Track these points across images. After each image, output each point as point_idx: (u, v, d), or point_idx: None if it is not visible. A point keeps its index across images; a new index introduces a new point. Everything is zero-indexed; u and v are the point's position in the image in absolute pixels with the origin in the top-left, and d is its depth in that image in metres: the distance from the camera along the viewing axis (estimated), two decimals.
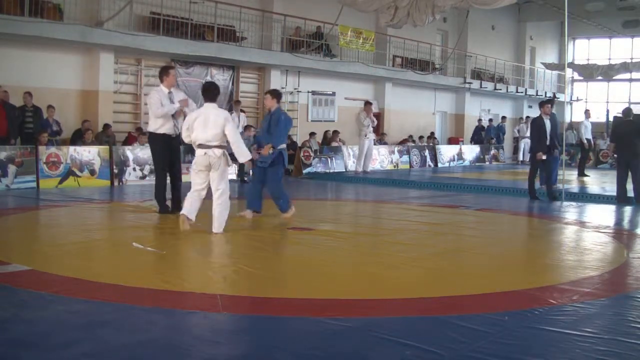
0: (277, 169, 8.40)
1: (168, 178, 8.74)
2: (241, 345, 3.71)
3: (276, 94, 8.52)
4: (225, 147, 7.05)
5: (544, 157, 11.38)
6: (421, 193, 12.83)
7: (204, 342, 3.74)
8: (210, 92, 7.21)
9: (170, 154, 8.57)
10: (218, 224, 7.12)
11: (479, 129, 24.75)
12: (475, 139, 24.55)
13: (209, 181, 7.14)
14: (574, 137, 21.50)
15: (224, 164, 7.05)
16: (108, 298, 4.59)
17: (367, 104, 16.76)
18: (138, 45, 14.59)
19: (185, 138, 7.23)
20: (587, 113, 18.60)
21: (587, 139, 17.86)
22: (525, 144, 24.47)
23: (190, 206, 7.21)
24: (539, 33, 32.18)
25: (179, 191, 8.75)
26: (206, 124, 6.95)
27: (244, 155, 7.23)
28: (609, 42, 33.56)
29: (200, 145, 7.00)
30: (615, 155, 12.06)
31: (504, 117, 26.97)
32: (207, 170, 7.08)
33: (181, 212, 7.25)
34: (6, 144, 11.54)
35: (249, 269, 5.78)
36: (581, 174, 17.51)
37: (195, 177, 7.21)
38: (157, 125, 8.37)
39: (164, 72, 8.51)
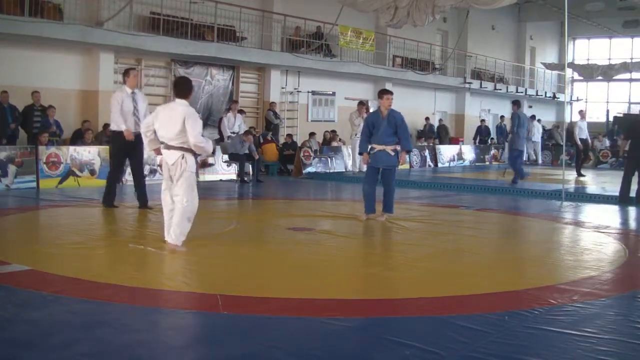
0: (395, 168, 8.73)
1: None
2: (241, 345, 3.71)
3: (392, 94, 8.79)
4: (188, 148, 6.18)
5: None
6: (421, 193, 12.83)
7: (204, 342, 3.74)
8: (179, 87, 6.41)
9: (131, 150, 8.92)
10: (174, 234, 6.20)
11: (480, 129, 24.76)
12: (479, 140, 24.60)
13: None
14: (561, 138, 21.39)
15: (182, 167, 6.17)
16: (108, 298, 4.59)
17: (360, 104, 16.76)
18: (138, 45, 14.59)
19: (144, 126, 6.54)
20: (581, 113, 18.71)
21: (581, 139, 17.92)
22: (535, 144, 24.46)
23: (171, 229, 6.25)
24: (539, 33, 32.18)
25: (144, 187, 9.15)
26: (163, 120, 6.24)
27: (207, 154, 6.46)
28: (609, 42, 33.57)
29: (163, 145, 6.29)
30: (625, 154, 12.01)
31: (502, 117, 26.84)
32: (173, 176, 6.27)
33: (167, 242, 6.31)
34: None
35: (249, 269, 5.79)
36: (578, 174, 17.59)
37: (163, 186, 6.41)
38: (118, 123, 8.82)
39: (125, 74, 9.02)
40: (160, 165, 7.06)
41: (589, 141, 18.12)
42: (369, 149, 8.64)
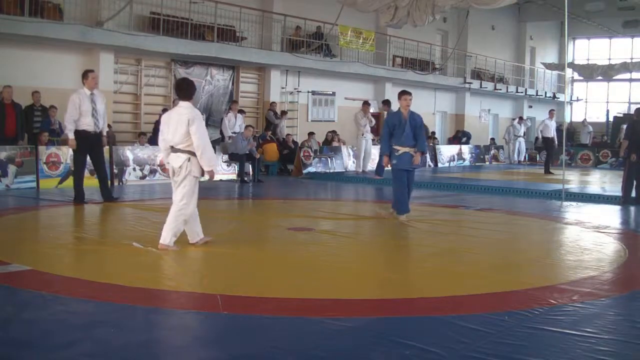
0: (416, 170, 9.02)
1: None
2: (241, 345, 3.71)
3: (410, 95, 8.82)
4: (194, 152, 6.19)
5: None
6: (421, 193, 12.82)
7: (204, 342, 3.74)
8: (181, 90, 6.43)
9: (90, 149, 9.34)
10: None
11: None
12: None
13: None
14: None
15: (187, 170, 6.23)
16: (108, 298, 4.59)
17: (365, 104, 16.78)
18: (138, 45, 14.59)
19: (160, 142, 6.48)
20: (550, 113, 18.91)
21: (547, 138, 18.20)
22: (519, 142, 24.47)
23: (164, 229, 6.27)
24: (539, 33, 32.18)
25: (106, 182, 9.78)
26: (170, 124, 6.26)
27: (208, 163, 6.19)
28: (609, 42, 33.55)
29: (171, 148, 6.30)
30: (624, 155, 12.02)
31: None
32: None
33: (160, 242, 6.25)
34: (14, 144, 11.56)
35: (249, 269, 5.79)
36: (547, 171, 17.95)
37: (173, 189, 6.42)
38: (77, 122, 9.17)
39: (83, 76, 9.37)
40: (160, 166, 7.09)
41: (556, 140, 18.31)
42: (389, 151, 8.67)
